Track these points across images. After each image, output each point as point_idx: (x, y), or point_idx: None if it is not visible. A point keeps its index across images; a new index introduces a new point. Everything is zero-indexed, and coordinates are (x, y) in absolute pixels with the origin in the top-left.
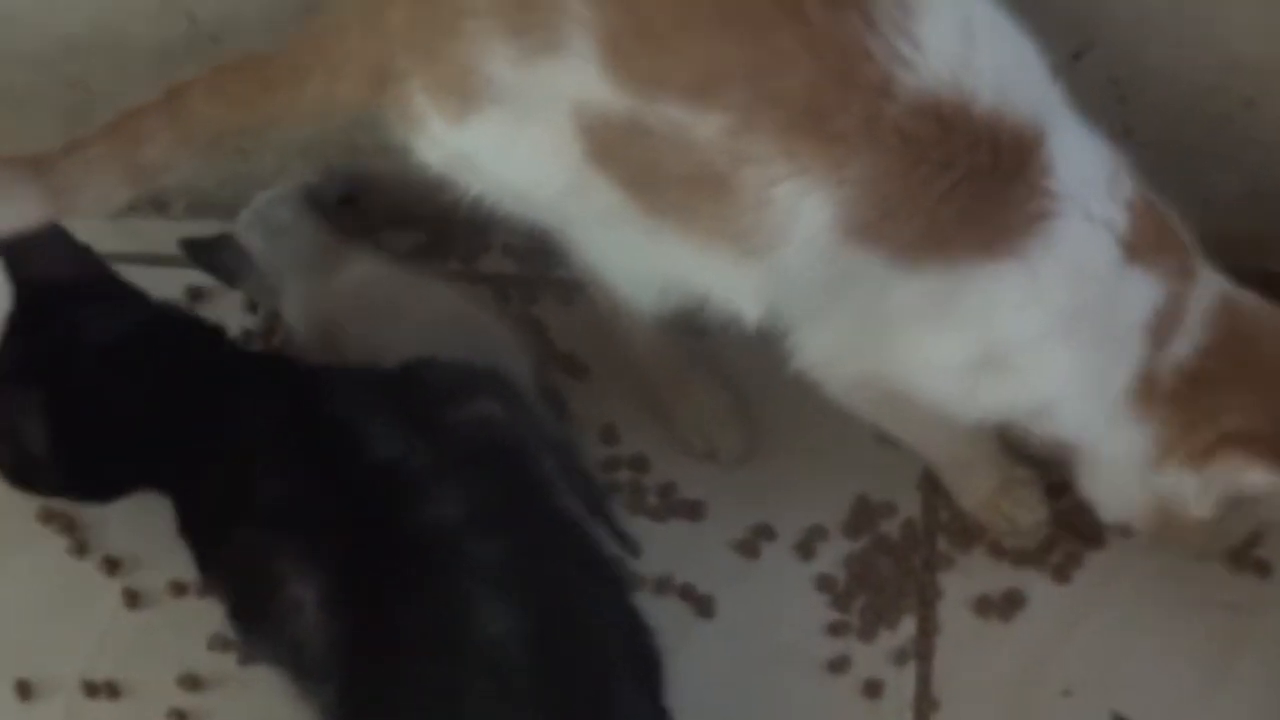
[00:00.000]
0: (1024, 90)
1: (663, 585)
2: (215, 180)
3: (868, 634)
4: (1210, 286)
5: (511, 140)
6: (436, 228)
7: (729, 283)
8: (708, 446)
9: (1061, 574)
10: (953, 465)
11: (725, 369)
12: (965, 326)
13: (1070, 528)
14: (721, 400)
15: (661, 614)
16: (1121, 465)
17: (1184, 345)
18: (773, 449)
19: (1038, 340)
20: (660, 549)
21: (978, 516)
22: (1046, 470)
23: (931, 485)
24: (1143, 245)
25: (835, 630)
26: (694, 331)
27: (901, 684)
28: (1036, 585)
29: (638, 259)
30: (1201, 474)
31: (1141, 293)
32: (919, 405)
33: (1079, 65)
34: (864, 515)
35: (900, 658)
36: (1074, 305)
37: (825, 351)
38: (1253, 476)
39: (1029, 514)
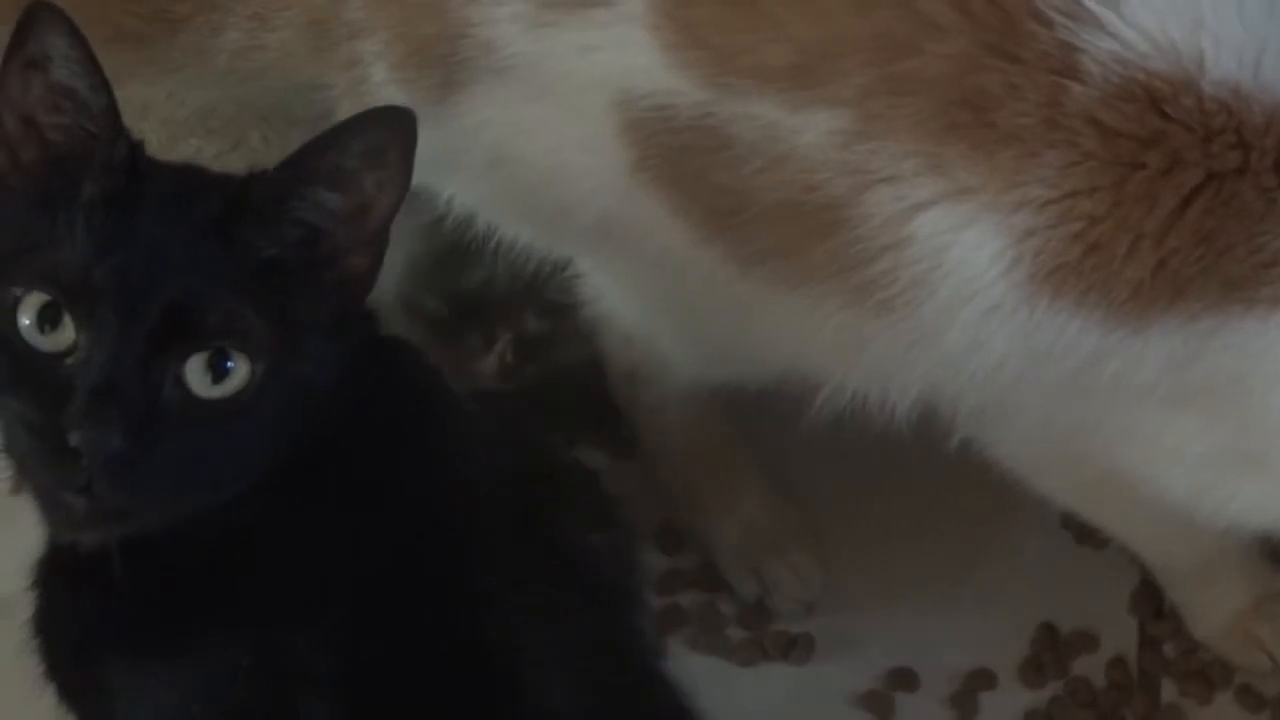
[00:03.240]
0: (1277, 50)
1: None
2: None
3: None
4: None
5: (518, 136)
6: None
7: (848, 359)
8: (756, 588)
9: None
10: (1188, 574)
11: (823, 446)
12: (1209, 403)
13: None
14: (783, 522)
15: None
16: None
17: None
18: (912, 555)
19: None
20: (745, 706)
21: (1221, 650)
22: None
23: (1150, 606)
24: None
25: None
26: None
27: None
28: None
29: (704, 321)
30: None
31: None
32: (1144, 499)
33: None
34: (1051, 652)
35: None
36: None
37: (1008, 440)
38: None
39: None
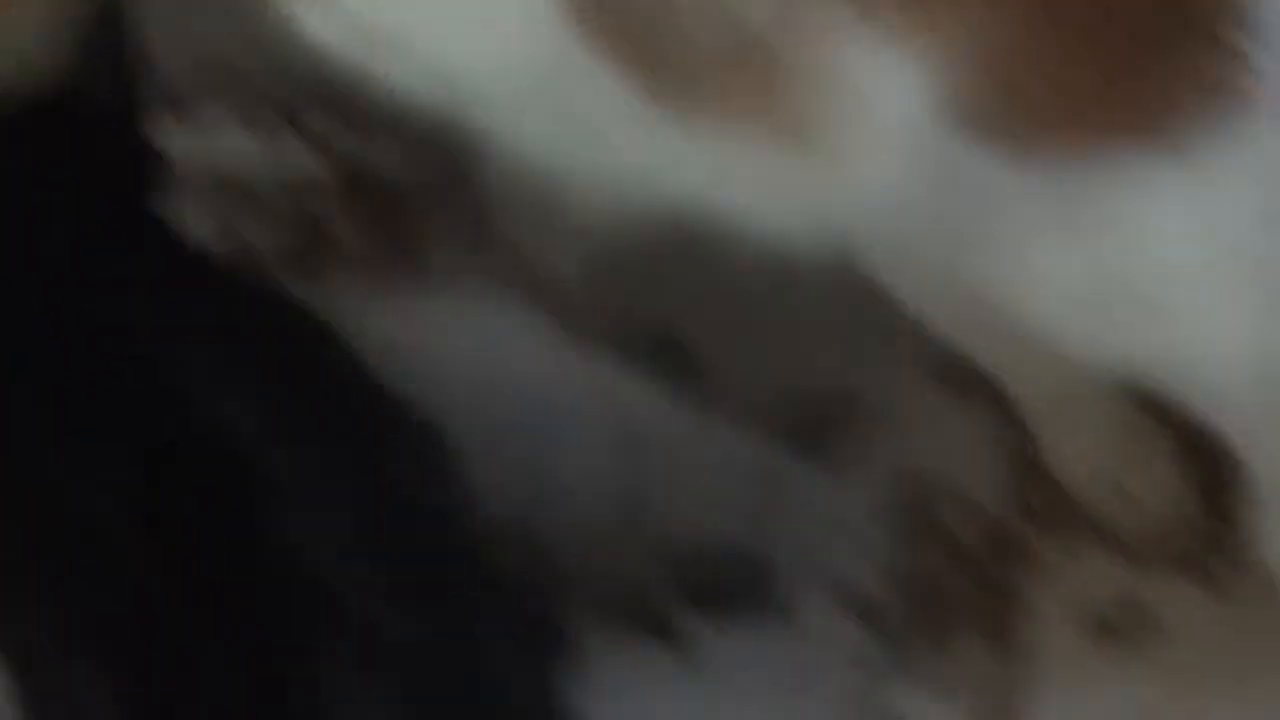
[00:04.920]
0: None
1: None
2: None
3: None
4: None
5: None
6: None
7: (774, 197)
8: None
9: (1214, 583)
10: (1059, 418)
11: None
12: (1095, 239)
13: (1224, 514)
14: None
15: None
16: None
17: None
18: None
19: (1198, 272)
20: None
21: (1090, 500)
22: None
23: (1021, 460)
24: None
25: (886, 682)
26: None
27: None
28: (1176, 600)
29: (635, 170)
30: None
31: None
32: (1025, 332)
33: None
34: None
35: (980, 714)
36: (1264, 234)
37: (911, 275)
38: None
39: (1161, 488)
